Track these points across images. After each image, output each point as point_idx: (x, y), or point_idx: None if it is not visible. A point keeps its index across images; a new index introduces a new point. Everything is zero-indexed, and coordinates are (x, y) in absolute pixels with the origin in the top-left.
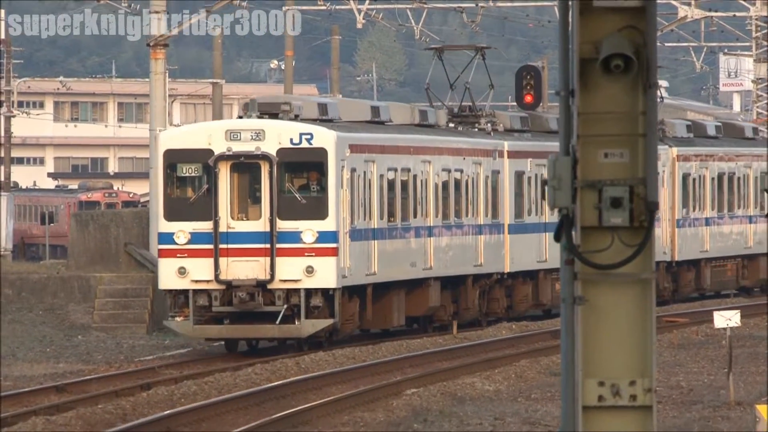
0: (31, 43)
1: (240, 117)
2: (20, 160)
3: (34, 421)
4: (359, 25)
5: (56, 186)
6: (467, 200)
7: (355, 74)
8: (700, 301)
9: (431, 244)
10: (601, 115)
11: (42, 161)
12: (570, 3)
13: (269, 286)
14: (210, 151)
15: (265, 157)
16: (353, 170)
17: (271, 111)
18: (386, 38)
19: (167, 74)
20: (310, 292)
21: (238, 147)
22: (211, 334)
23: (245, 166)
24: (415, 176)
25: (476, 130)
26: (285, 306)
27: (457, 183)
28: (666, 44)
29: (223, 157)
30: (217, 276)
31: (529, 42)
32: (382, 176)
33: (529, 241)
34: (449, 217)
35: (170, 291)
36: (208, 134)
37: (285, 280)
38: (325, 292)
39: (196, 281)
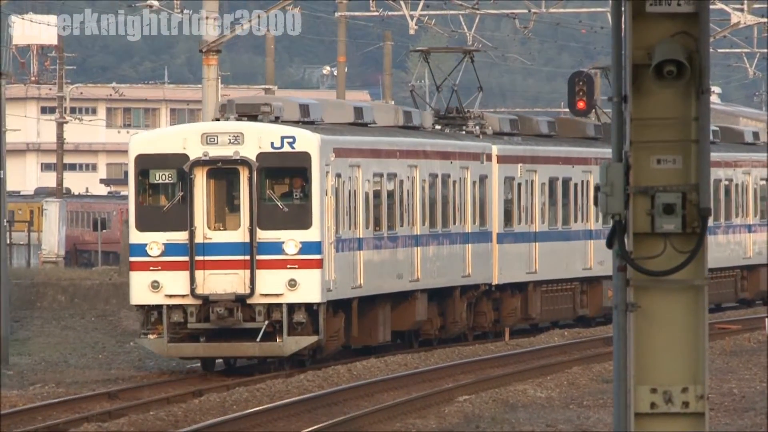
0: (84, 49)
1: (217, 119)
2: (72, 167)
3: (86, 427)
4: (411, 31)
5: (108, 192)
6: (455, 207)
7: (408, 80)
8: (753, 308)
9: (418, 254)
10: (653, 121)
11: (94, 167)
12: (623, 9)
13: (249, 301)
14: (185, 156)
15: (244, 162)
16: (338, 176)
17: (250, 112)
18: (439, 44)
19: (220, 80)
20: (292, 307)
21: (215, 151)
22: (186, 352)
23: (223, 171)
24: (401, 182)
25: (464, 132)
26: (266, 322)
27: (445, 189)
28: (718, 50)
29: (198, 163)
30: (192, 290)
31: (582, 48)
32: (368, 182)
33: (519, 251)
34: (436, 225)
35: (142, 306)
36: (182, 138)
37: (266, 295)
38: (309, 307)
39: (171, 296)
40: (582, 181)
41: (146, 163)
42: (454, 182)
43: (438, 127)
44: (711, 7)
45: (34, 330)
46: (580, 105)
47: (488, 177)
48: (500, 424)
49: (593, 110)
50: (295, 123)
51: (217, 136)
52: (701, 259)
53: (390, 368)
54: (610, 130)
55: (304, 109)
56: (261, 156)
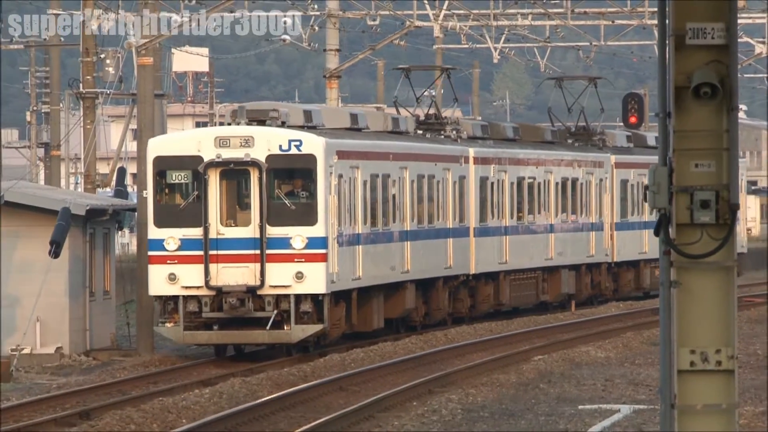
0: (230, 75)
1: (229, 124)
2: None
3: (232, 381)
4: (495, 60)
5: None
6: (438, 205)
7: (492, 100)
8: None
9: (408, 247)
10: (692, 133)
11: None
12: (667, 42)
13: (259, 292)
14: (199, 158)
15: (254, 163)
16: (340, 176)
17: (259, 118)
18: (517, 70)
19: (340, 100)
20: (299, 298)
21: (227, 154)
22: (201, 340)
23: (234, 172)
24: (394, 182)
25: (442, 136)
26: (275, 312)
27: (430, 188)
28: (745, 75)
29: (212, 164)
30: (207, 282)
31: (634, 73)
32: (365, 182)
33: (492, 244)
34: (423, 221)
35: (160, 297)
36: (197, 141)
37: (275, 286)
38: (315, 298)
39: (187, 287)
40: (544, 180)
41: (163, 165)
42: (438, 182)
43: (419, 132)
44: (739, 40)
45: None
46: (632, 120)
47: (466, 177)
48: (568, 378)
49: (549, 116)
50: (300, 127)
51: (229, 140)
52: (731, 245)
53: (478, 333)
54: (563, 136)
55: (308, 114)
56: (270, 158)
